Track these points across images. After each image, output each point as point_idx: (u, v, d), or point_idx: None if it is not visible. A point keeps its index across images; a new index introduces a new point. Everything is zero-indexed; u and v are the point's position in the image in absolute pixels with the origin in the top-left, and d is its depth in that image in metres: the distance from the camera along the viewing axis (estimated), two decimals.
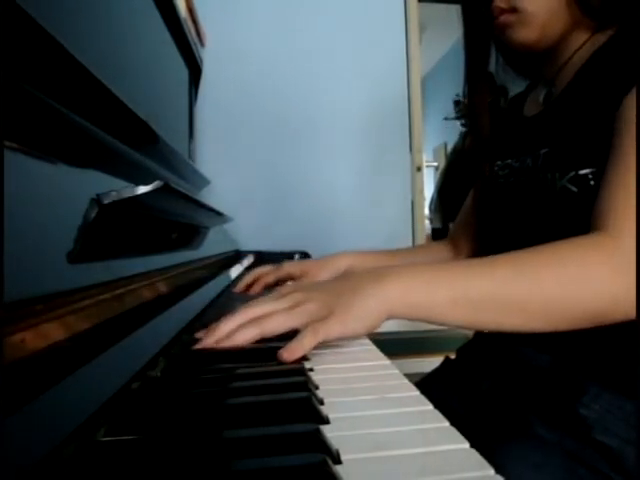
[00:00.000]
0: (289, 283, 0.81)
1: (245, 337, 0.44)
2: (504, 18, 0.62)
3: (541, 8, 0.60)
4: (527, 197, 0.63)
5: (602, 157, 0.53)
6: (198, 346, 0.45)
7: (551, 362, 0.58)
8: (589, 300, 0.45)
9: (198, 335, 0.47)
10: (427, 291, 0.47)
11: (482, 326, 0.50)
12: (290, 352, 0.41)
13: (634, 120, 0.50)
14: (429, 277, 0.48)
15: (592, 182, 0.54)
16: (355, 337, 0.47)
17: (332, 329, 0.44)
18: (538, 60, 0.67)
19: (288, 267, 0.83)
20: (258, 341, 0.45)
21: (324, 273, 0.82)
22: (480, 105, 0.76)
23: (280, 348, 0.42)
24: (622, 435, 0.50)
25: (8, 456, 0.20)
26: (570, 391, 0.54)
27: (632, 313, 0.44)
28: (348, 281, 0.49)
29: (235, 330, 0.45)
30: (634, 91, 0.51)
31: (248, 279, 0.84)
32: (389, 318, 0.46)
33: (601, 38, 0.60)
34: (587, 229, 0.51)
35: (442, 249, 0.90)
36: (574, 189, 0.56)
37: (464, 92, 0.76)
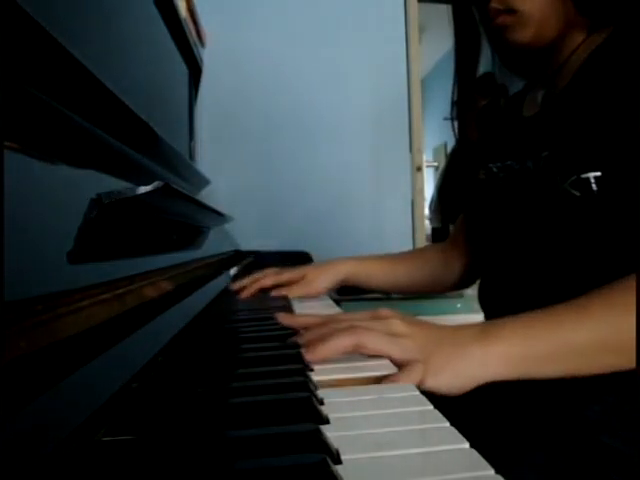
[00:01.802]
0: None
1: (340, 344, 0.42)
2: (501, 19, 0.62)
3: (537, 8, 0.60)
4: (528, 200, 0.63)
5: (605, 161, 0.53)
6: (295, 339, 0.45)
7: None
8: None
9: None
10: (528, 346, 0.45)
11: (583, 374, 0.47)
12: (396, 380, 0.40)
13: None
14: (529, 330, 0.46)
15: (594, 186, 0.54)
16: (444, 394, 0.44)
17: (426, 379, 0.42)
18: (535, 60, 0.67)
19: (289, 274, 0.83)
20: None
21: (323, 279, 0.82)
22: (468, 108, 0.76)
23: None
24: (626, 436, 0.49)
25: (8, 456, 0.20)
26: (573, 392, 0.54)
27: None
28: (452, 332, 0.47)
29: (331, 334, 0.43)
30: None
31: (245, 281, 0.84)
32: (485, 381, 0.45)
33: (598, 38, 0.60)
34: (588, 233, 0.50)
35: (440, 253, 0.90)
36: (577, 193, 0.55)
37: (453, 94, 0.76)
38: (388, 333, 0.44)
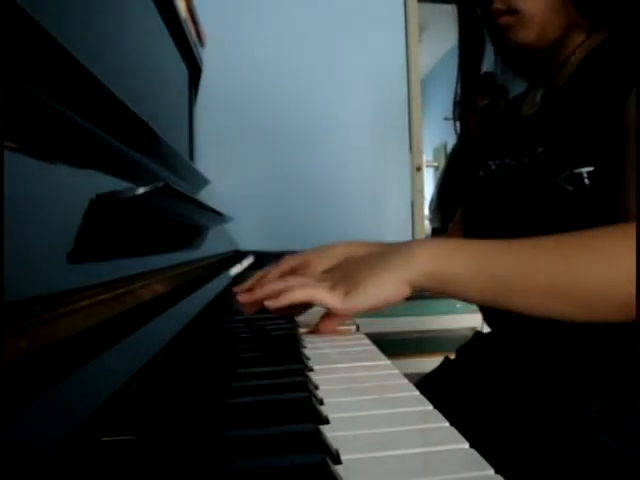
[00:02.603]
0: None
1: (295, 297, 0.50)
2: (503, 20, 0.63)
3: (539, 9, 0.61)
4: (523, 196, 0.63)
5: (598, 156, 0.53)
6: (252, 294, 0.53)
7: (552, 363, 0.58)
8: (612, 286, 0.44)
9: (238, 289, 0.56)
10: (448, 263, 0.47)
11: (502, 304, 0.49)
12: (274, 301, 0.48)
13: None
14: (454, 250, 0.48)
15: (587, 181, 0.54)
16: (363, 311, 0.49)
17: (334, 299, 0.47)
18: (537, 60, 0.68)
19: (289, 260, 0.84)
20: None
21: (324, 262, 0.82)
22: (471, 107, 0.76)
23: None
24: (625, 437, 0.49)
25: (8, 456, 0.20)
26: (571, 392, 0.54)
27: None
28: (376, 253, 0.51)
29: (282, 289, 0.51)
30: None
31: (251, 282, 0.84)
32: (412, 289, 0.48)
33: (597, 38, 0.61)
34: (582, 227, 0.51)
35: None
36: (570, 188, 0.56)
37: (456, 93, 0.76)
38: (330, 287, 0.51)
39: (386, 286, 0.48)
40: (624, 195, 0.51)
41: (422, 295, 1.76)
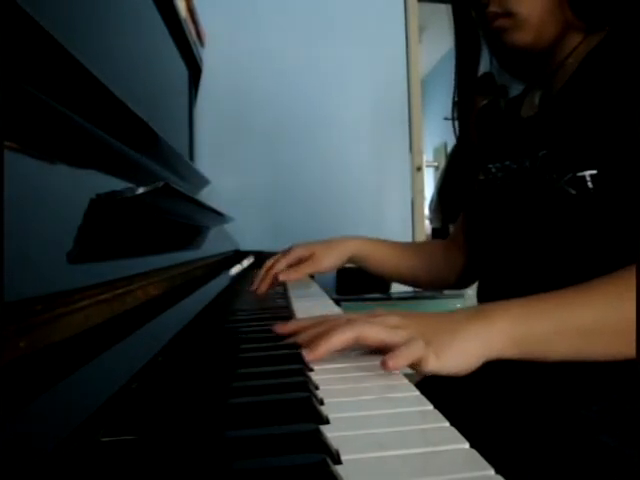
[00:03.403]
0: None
1: (341, 339, 0.43)
2: (499, 22, 0.63)
3: (535, 11, 0.61)
4: (525, 199, 0.63)
5: (601, 159, 0.53)
6: (291, 340, 0.46)
7: (551, 362, 0.58)
8: None
9: (279, 329, 0.48)
10: (530, 325, 0.45)
11: (587, 356, 0.47)
12: (395, 360, 0.40)
13: None
14: (533, 309, 0.46)
15: (590, 184, 0.54)
16: (447, 375, 0.44)
17: (428, 360, 0.42)
18: (533, 63, 0.68)
19: (297, 250, 0.84)
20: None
21: (331, 255, 0.83)
22: (468, 109, 0.76)
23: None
24: (626, 436, 0.49)
25: (8, 456, 0.20)
26: (572, 391, 0.54)
27: None
28: (449, 317, 0.47)
29: (330, 330, 0.43)
30: None
31: (261, 273, 0.85)
32: (490, 358, 0.45)
33: (594, 40, 0.61)
34: (585, 231, 0.51)
35: (444, 249, 0.91)
36: (572, 191, 0.55)
37: (454, 95, 0.76)
38: (387, 326, 0.44)
39: (468, 358, 0.44)
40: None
41: (422, 295, 1.76)
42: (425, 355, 0.42)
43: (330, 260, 0.83)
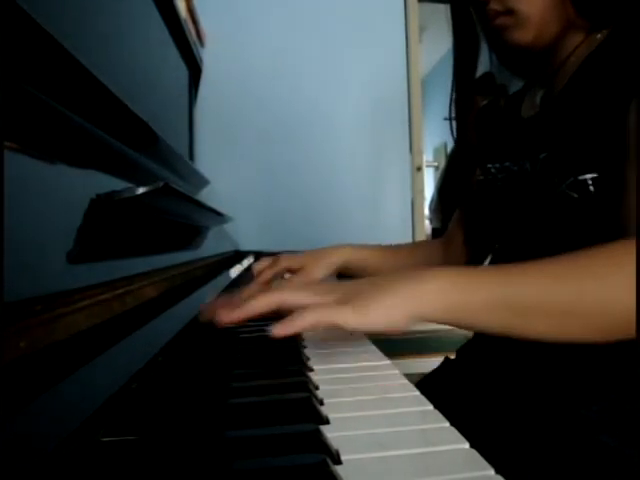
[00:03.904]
0: (287, 276, 0.81)
1: (263, 302, 0.44)
2: (500, 20, 0.62)
3: (536, 9, 0.60)
4: (526, 202, 0.63)
5: (602, 162, 0.53)
6: (211, 310, 0.44)
7: (551, 362, 0.58)
8: (627, 310, 0.44)
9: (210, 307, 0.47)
10: (462, 293, 0.45)
11: (517, 333, 0.47)
12: (282, 327, 0.40)
13: None
14: (465, 280, 0.46)
15: (592, 188, 0.54)
16: (373, 331, 0.44)
17: (345, 316, 0.42)
18: (534, 61, 0.67)
19: (286, 261, 0.82)
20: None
21: (320, 266, 0.82)
22: (467, 108, 0.76)
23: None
24: (626, 436, 0.49)
25: (8, 456, 0.20)
26: (572, 391, 0.54)
27: None
28: (383, 277, 0.47)
29: (254, 295, 0.44)
30: None
31: (252, 288, 0.84)
32: (419, 319, 0.44)
33: (597, 39, 0.61)
34: (586, 235, 0.51)
35: (439, 248, 0.90)
36: (574, 195, 0.55)
37: (452, 95, 0.76)
38: (311, 291, 0.45)
39: (394, 312, 0.43)
40: (629, 206, 0.50)
41: None
42: (338, 312, 0.42)
43: (320, 271, 0.81)
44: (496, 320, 0.46)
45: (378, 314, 0.43)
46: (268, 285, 0.79)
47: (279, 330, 0.40)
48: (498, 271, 0.48)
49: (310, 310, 0.42)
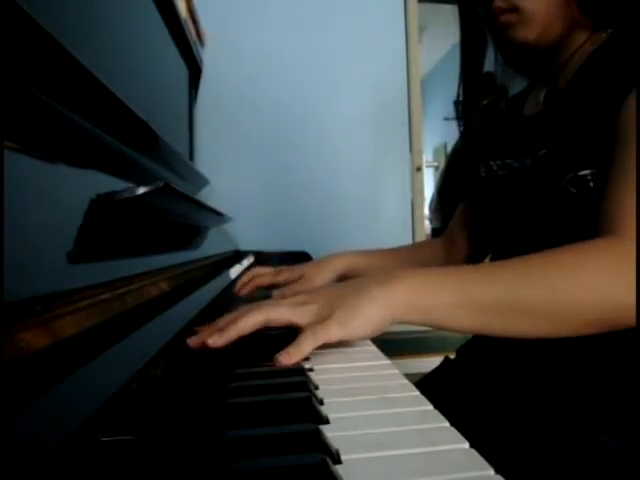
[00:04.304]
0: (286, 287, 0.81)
1: (249, 323, 0.45)
2: (505, 18, 0.62)
3: (541, 7, 0.61)
4: (526, 198, 0.63)
5: (601, 158, 0.53)
6: (200, 336, 0.45)
7: (551, 362, 0.58)
8: (594, 306, 0.45)
9: (199, 329, 0.48)
10: (432, 295, 0.47)
11: (486, 331, 0.49)
12: (288, 356, 0.42)
13: (634, 122, 0.50)
14: (434, 281, 0.48)
15: (591, 183, 0.54)
16: (357, 340, 0.47)
17: (332, 332, 0.44)
18: (538, 59, 0.67)
19: (286, 274, 0.82)
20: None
21: (321, 276, 0.81)
22: (474, 105, 0.76)
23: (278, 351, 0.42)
24: (625, 436, 0.49)
25: (8, 456, 0.20)
26: (572, 392, 0.54)
27: (633, 320, 0.43)
28: (353, 284, 0.49)
29: (239, 316, 0.45)
30: (634, 93, 0.51)
31: (244, 278, 0.84)
32: (394, 322, 0.46)
33: (600, 38, 0.61)
34: (586, 230, 0.51)
35: (438, 248, 0.90)
36: (573, 190, 0.55)
37: (458, 92, 0.76)
38: (295, 305, 0.47)
39: (372, 320, 0.46)
40: (607, 202, 0.51)
41: None
42: (326, 330, 0.44)
43: (321, 280, 0.81)
44: (466, 319, 0.47)
45: (359, 324, 0.45)
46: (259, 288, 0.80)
47: (285, 360, 0.42)
48: (466, 271, 0.50)
49: (304, 338, 0.43)
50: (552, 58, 0.66)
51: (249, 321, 0.45)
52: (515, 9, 0.61)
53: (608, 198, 0.51)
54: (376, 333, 0.46)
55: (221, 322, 0.47)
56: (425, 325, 0.48)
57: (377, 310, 0.45)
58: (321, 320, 0.45)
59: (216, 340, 0.44)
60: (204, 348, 0.44)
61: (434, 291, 0.47)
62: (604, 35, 0.61)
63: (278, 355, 0.42)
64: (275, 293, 0.78)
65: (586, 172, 0.54)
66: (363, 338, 0.46)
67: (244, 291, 0.81)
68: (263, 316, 0.45)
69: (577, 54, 0.63)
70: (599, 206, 0.52)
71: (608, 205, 0.50)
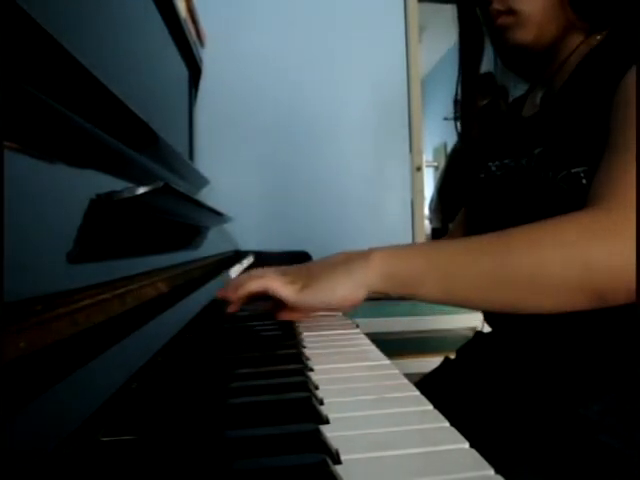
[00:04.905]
0: None
1: (253, 286, 0.55)
2: (502, 20, 0.63)
3: (537, 9, 0.61)
4: (521, 196, 0.63)
5: (593, 156, 0.54)
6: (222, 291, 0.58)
7: (553, 362, 0.58)
8: (566, 269, 0.44)
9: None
10: (405, 264, 0.49)
11: (459, 301, 0.50)
12: (225, 290, 0.55)
13: (628, 102, 0.50)
14: (409, 252, 0.50)
15: (584, 181, 0.54)
16: (328, 308, 0.54)
17: (303, 292, 0.51)
18: (536, 62, 0.68)
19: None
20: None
21: None
22: (472, 107, 0.76)
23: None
24: (625, 436, 0.49)
25: (8, 456, 0.20)
26: (572, 391, 0.54)
27: (633, 290, 0.42)
28: (332, 259, 0.54)
29: (247, 280, 0.56)
30: (628, 75, 0.51)
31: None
32: (369, 291, 0.50)
33: (596, 40, 0.61)
34: None
35: None
36: (567, 187, 0.56)
37: (456, 93, 0.76)
38: (289, 282, 0.54)
39: (339, 288, 0.50)
40: (595, 179, 0.51)
41: None
42: (285, 288, 0.53)
43: None
44: (435, 287, 0.48)
45: (317, 293, 0.51)
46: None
47: (221, 292, 0.57)
48: (437, 243, 0.54)
49: (258, 279, 0.54)
50: (549, 60, 0.66)
51: (253, 285, 0.55)
52: (512, 11, 0.62)
53: (599, 173, 0.51)
54: (349, 301, 0.50)
55: (229, 283, 0.58)
56: (400, 296, 0.50)
57: (350, 279, 0.49)
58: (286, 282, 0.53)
59: (221, 292, 0.59)
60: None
61: (407, 260, 0.49)
62: (599, 37, 0.61)
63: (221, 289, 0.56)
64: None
65: (579, 169, 0.55)
66: (330, 302, 0.51)
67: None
68: (263, 284, 0.55)
69: (573, 56, 0.63)
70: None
71: (599, 179, 0.50)
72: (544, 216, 0.59)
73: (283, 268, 0.58)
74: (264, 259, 1.34)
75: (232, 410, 0.30)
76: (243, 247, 1.41)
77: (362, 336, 0.56)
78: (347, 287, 0.50)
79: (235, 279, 0.62)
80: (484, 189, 0.72)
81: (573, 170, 0.55)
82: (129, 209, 0.45)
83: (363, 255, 0.51)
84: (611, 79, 0.54)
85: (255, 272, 0.60)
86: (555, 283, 0.45)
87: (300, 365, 0.41)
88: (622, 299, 0.44)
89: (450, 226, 0.93)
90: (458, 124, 0.79)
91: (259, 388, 0.34)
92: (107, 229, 0.41)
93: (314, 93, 1.98)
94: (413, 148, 2.08)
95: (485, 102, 0.85)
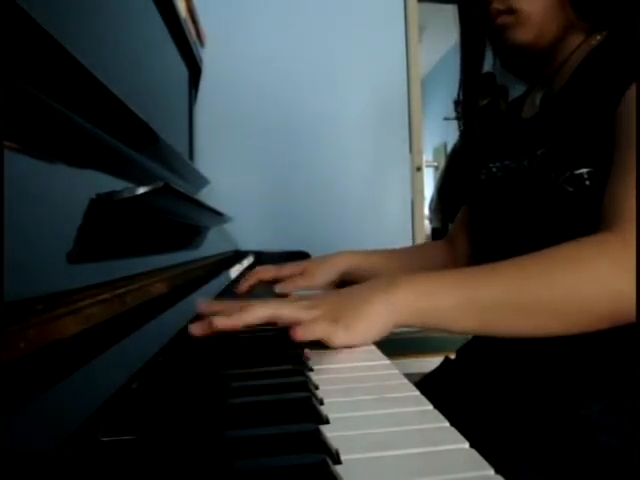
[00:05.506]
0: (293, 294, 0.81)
1: (256, 314, 0.46)
2: (502, 19, 0.63)
3: (537, 9, 0.61)
4: (524, 198, 0.63)
5: (597, 157, 0.54)
6: (204, 321, 0.46)
7: (551, 362, 0.58)
8: (599, 300, 0.45)
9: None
10: (433, 299, 0.47)
11: (491, 332, 0.50)
12: (303, 332, 0.44)
13: (633, 117, 0.50)
14: (435, 285, 0.48)
15: (588, 182, 0.54)
16: (360, 346, 0.47)
17: (339, 335, 0.45)
18: (535, 62, 0.68)
19: (289, 268, 0.83)
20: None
21: (323, 273, 0.82)
22: (473, 107, 0.76)
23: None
24: (626, 436, 0.49)
25: (8, 456, 0.20)
26: (572, 391, 0.54)
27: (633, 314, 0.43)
28: (356, 291, 0.50)
29: (247, 307, 0.46)
30: (633, 87, 0.51)
31: (248, 278, 0.84)
32: (396, 327, 0.47)
33: (596, 40, 0.61)
34: (584, 228, 0.51)
35: (441, 249, 0.90)
36: (570, 189, 0.56)
37: (458, 94, 0.76)
38: (301, 307, 0.48)
39: (376, 326, 0.47)
40: (607, 198, 0.51)
41: None
42: (333, 331, 0.45)
43: (324, 276, 0.81)
44: (467, 321, 0.48)
45: (364, 332, 0.46)
46: (280, 286, 0.80)
47: (299, 334, 0.44)
48: (467, 273, 0.51)
49: (307, 324, 0.45)
50: (548, 61, 0.66)
51: (257, 312, 0.46)
52: (512, 11, 0.62)
53: (608, 194, 0.51)
54: (379, 337, 0.47)
55: (228, 309, 0.47)
56: (429, 328, 0.49)
57: (380, 316, 0.46)
58: (329, 321, 0.46)
59: (224, 322, 0.45)
60: (205, 335, 0.45)
61: (435, 295, 0.47)
62: (599, 37, 0.61)
63: (294, 329, 0.44)
64: (277, 287, 0.79)
65: (582, 171, 0.55)
66: (366, 344, 0.47)
67: (245, 285, 0.81)
68: (271, 311, 0.46)
69: (573, 56, 0.63)
70: (601, 203, 0.52)
71: (608, 201, 0.51)
72: (547, 217, 0.59)
73: (302, 302, 0.49)
74: (264, 259, 1.35)
75: (232, 410, 0.30)
76: (243, 247, 1.41)
77: None
78: (379, 327, 0.47)
79: (233, 303, 0.50)
80: (485, 190, 0.72)
81: (576, 171, 0.55)
82: (129, 209, 0.45)
83: (388, 287, 0.48)
84: (615, 83, 0.54)
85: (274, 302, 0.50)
86: (588, 316, 0.46)
87: (300, 365, 0.41)
88: None
89: (450, 226, 0.93)
90: (461, 124, 0.79)
91: (259, 388, 0.34)
92: (107, 229, 0.41)
93: (314, 93, 1.98)
94: (413, 148, 2.09)
95: (485, 102, 0.85)
